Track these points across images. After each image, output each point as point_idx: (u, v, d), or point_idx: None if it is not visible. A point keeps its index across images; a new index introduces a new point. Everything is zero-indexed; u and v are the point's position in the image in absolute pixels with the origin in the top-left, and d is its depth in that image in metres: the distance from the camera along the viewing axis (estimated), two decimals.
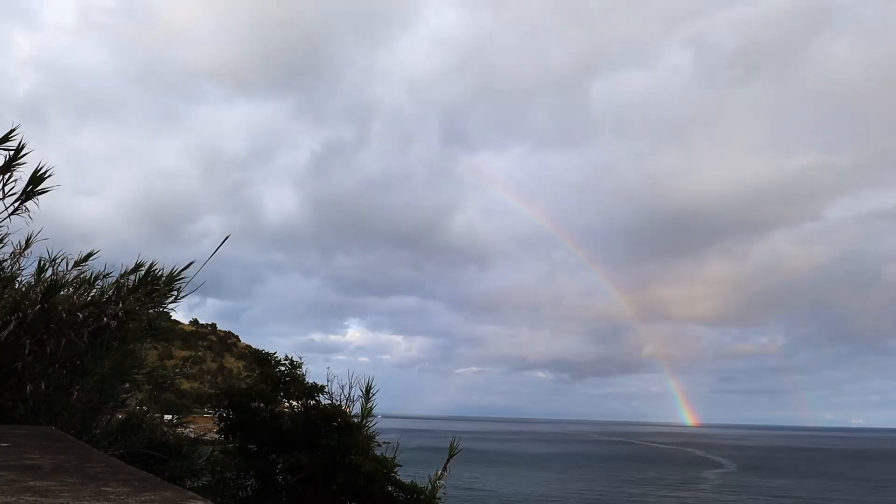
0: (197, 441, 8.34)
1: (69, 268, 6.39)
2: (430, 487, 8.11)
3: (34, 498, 1.75)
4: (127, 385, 6.93)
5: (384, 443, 8.93)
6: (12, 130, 5.87)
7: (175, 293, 6.77)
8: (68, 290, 5.99)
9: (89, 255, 6.62)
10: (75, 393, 5.68)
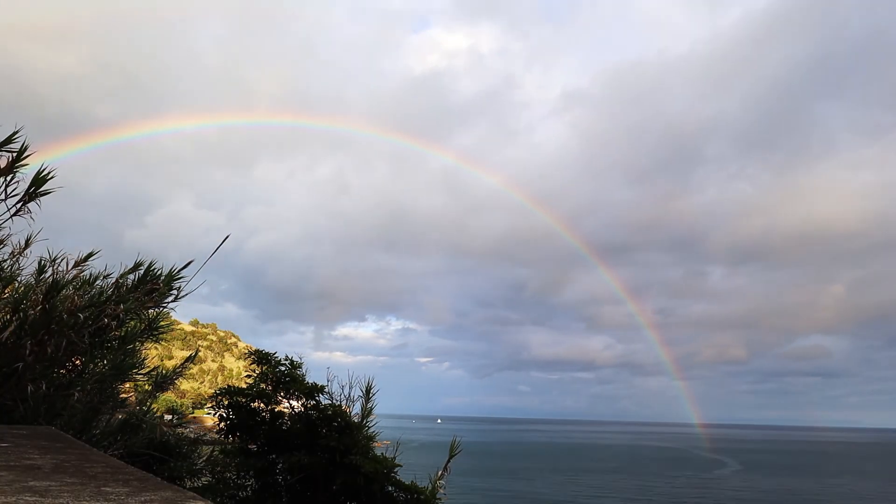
0: (197, 441, 8.36)
1: (69, 268, 6.39)
2: (430, 487, 8.11)
3: (34, 498, 1.75)
4: (127, 385, 6.94)
5: (384, 442, 8.95)
6: (15, 132, 5.88)
7: (175, 292, 6.77)
8: (68, 289, 5.99)
9: (89, 255, 6.61)
10: (75, 393, 5.69)
